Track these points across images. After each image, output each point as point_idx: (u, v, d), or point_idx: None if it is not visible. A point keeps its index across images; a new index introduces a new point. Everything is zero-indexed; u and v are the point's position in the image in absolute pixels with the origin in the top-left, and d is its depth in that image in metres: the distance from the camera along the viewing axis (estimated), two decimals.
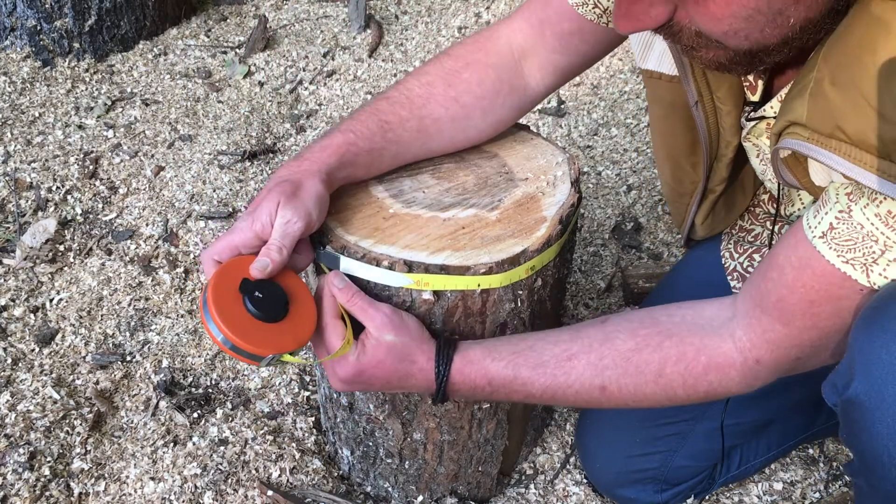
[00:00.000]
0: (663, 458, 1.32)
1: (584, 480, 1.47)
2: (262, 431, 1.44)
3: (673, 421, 1.30)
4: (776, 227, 1.25)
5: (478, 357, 1.01)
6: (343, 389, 1.04)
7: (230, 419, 1.48)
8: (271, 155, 2.20)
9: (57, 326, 1.68)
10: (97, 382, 1.57)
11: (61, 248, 1.86)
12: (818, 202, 0.87)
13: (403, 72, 2.55)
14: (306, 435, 1.47)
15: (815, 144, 0.78)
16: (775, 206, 1.24)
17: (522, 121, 1.30)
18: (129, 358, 1.63)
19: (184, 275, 1.81)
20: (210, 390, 1.58)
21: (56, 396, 1.51)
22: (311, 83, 2.51)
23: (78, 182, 2.04)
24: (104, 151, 2.14)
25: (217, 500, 1.33)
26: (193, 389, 1.57)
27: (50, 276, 1.80)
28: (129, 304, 1.74)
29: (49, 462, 1.40)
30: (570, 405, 1.04)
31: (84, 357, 1.62)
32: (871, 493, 0.90)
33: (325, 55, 2.63)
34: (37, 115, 2.26)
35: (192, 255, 1.86)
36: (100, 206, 1.99)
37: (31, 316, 1.70)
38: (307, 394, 1.58)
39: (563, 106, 2.42)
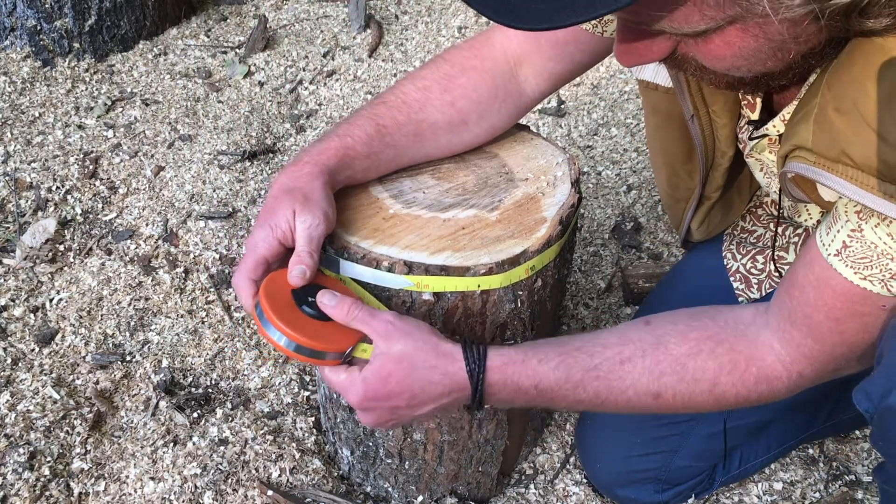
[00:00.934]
0: (664, 459, 1.32)
1: (584, 480, 1.47)
2: (262, 431, 1.44)
3: (675, 421, 1.30)
4: (779, 229, 1.25)
5: (520, 357, 0.96)
6: (370, 421, 0.97)
7: (230, 419, 1.48)
8: (271, 155, 2.20)
9: (57, 326, 1.68)
10: (97, 382, 1.57)
11: (61, 248, 1.86)
12: (829, 218, 0.87)
13: (403, 72, 2.55)
14: (306, 435, 1.47)
15: (822, 168, 0.79)
16: (777, 208, 1.24)
17: (522, 120, 1.30)
18: (129, 358, 1.63)
19: (184, 275, 1.81)
20: (210, 390, 1.58)
21: (56, 396, 1.51)
22: (311, 83, 2.51)
23: (78, 182, 2.04)
24: (104, 151, 2.14)
25: (217, 500, 1.33)
26: (193, 389, 1.57)
27: (50, 276, 1.80)
28: (129, 304, 1.74)
29: (49, 462, 1.40)
30: (616, 411, 1.00)
31: (84, 357, 1.62)
32: None
33: (325, 55, 2.63)
34: (37, 115, 2.26)
35: (192, 255, 1.86)
36: (100, 206, 1.99)
37: (31, 316, 1.70)
38: (307, 394, 1.58)
39: (563, 106, 2.42)
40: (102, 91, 2.38)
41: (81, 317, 1.70)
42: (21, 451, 1.39)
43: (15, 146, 2.12)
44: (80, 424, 1.47)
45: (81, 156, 2.12)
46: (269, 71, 2.54)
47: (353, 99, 2.44)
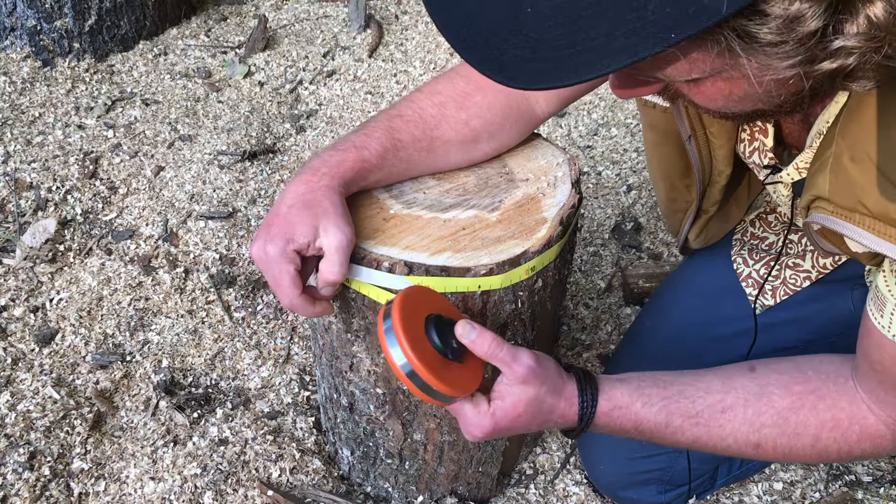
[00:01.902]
0: (669, 459, 1.32)
1: (585, 480, 1.47)
2: (262, 431, 1.44)
3: None
4: (794, 237, 1.25)
5: (626, 401, 0.99)
6: (476, 440, 0.99)
7: (230, 419, 1.48)
8: (271, 155, 2.20)
9: (57, 326, 1.68)
10: (97, 382, 1.57)
11: (61, 248, 1.86)
12: (874, 296, 0.89)
13: (403, 72, 2.55)
14: (306, 435, 1.47)
15: (840, 218, 0.81)
16: (788, 217, 1.25)
17: None
18: (129, 358, 1.63)
19: (184, 275, 1.81)
20: (210, 390, 1.58)
21: (56, 396, 1.51)
22: (311, 83, 2.51)
23: (78, 182, 2.04)
24: (104, 151, 2.14)
25: (217, 500, 1.33)
26: (193, 389, 1.57)
27: (50, 276, 1.80)
28: (129, 304, 1.74)
29: (49, 462, 1.40)
30: (716, 453, 1.03)
31: (84, 357, 1.62)
32: None
33: (325, 55, 2.63)
34: (37, 115, 2.26)
35: (192, 255, 1.86)
36: (100, 206, 1.99)
37: (31, 316, 1.70)
38: (307, 394, 1.58)
39: None
40: (102, 91, 2.38)
41: (81, 317, 1.70)
42: (21, 451, 1.39)
43: (15, 146, 2.12)
44: (80, 424, 1.47)
45: (81, 156, 2.12)
46: (269, 71, 2.54)
47: (353, 99, 2.44)
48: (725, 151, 1.10)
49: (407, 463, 1.30)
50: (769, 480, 1.47)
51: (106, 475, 1.40)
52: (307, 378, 1.62)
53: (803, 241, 1.26)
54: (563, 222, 1.09)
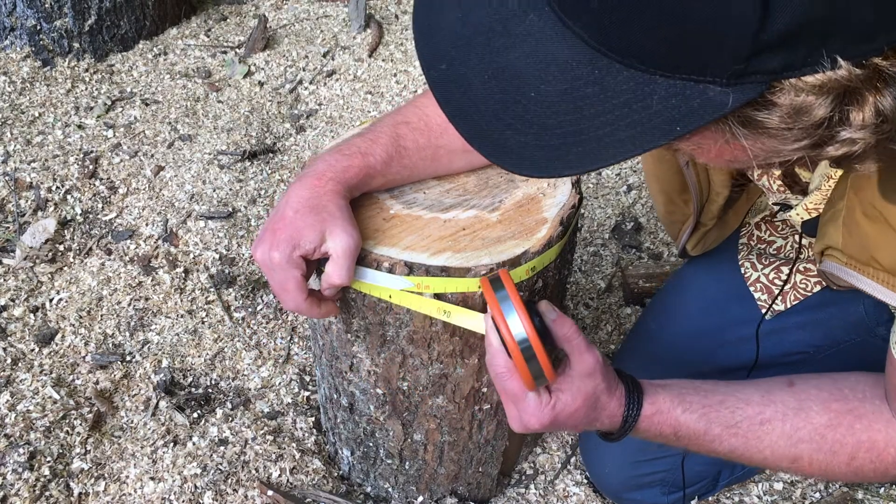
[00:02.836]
0: (673, 462, 1.32)
1: (585, 481, 1.47)
2: (262, 431, 1.44)
3: None
4: (804, 241, 1.25)
5: (667, 406, 1.00)
6: (526, 432, 0.99)
7: (230, 419, 1.48)
8: (271, 155, 2.20)
9: (57, 326, 1.68)
10: (97, 382, 1.56)
11: (61, 248, 1.86)
12: None
13: (403, 72, 2.55)
14: (306, 435, 1.47)
15: (853, 269, 0.84)
16: (798, 241, 1.27)
17: None
18: (129, 358, 1.63)
19: (184, 275, 1.81)
20: (210, 390, 1.58)
21: (56, 396, 1.51)
22: (311, 83, 2.51)
23: (78, 182, 2.03)
24: (104, 151, 2.14)
25: (217, 500, 1.33)
26: (193, 389, 1.57)
27: (50, 276, 1.80)
28: (129, 304, 1.74)
29: (49, 462, 1.40)
30: (751, 465, 1.04)
31: (84, 357, 1.62)
32: None
33: (325, 55, 2.63)
34: (37, 114, 2.26)
35: (192, 255, 1.86)
36: (100, 205, 1.99)
37: (31, 316, 1.70)
38: (307, 394, 1.58)
39: None
40: (102, 91, 2.38)
41: (81, 317, 1.70)
42: (21, 451, 1.39)
43: (15, 146, 2.12)
44: (80, 424, 1.47)
45: (81, 156, 2.11)
46: (269, 71, 2.54)
47: (353, 99, 2.44)
48: (724, 176, 1.12)
49: (407, 463, 1.30)
50: (769, 481, 1.47)
51: (106, 475, 1.40)
52: (307, 378, 1.62)
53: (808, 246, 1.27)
54: (563, 222, 1.09)
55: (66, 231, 1.91)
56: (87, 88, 2.39)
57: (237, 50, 2.63)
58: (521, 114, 0.62)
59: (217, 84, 2.47)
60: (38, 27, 2.39)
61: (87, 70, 2.45)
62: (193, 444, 1.42)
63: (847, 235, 0.84)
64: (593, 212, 2.07)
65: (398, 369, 1.13)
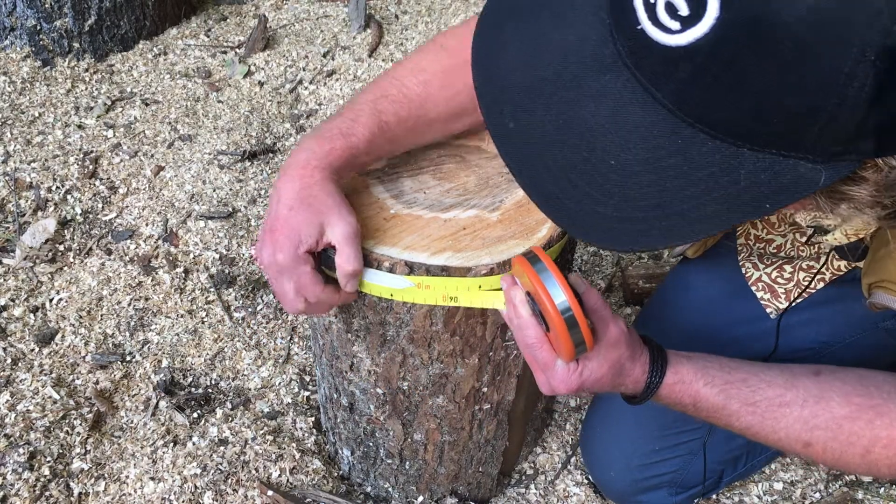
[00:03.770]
0: (682, 462, 1.32)
1: (585, 481, 1.47)
2: (262, 431, 1.44)
3: (694, 427, 1.31)
4: (799, 238, 1.26)
5: (690, 377, 1.01)
6: (553, 394, 1.00)
7: (230, 419, 1.48)
8: (271, 155, 2.20)
9: (57, 326, 1.68)
10: (97, 382, 1.56)
11: (61, 247, 1.86)
12: None
13: None
14: (306, 435, 1.47)
15: None
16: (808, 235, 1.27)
17: None
18: (128, 358, 1.63)
19: (184, 275, 1.80)
20: (210, 390, 1.58)
21: (56, 396, 1.51)
22: (311, 83, 2.51)
23: (78, 182, 2.03)
24: (104, 151, 2.14)
25: (217, 500, 1.33)
26: (193, 389, 1.57)
27: (50, 275, 1.80)
28: (129, 304, 1.74)
29: (49, 462, 1.40)
30: (766, 444, 1.05)
31: (84, 357, 1.62)
32: None
33: (325, 55, 2.63)
34: (37, 114, 2.26)
35: (192, 255, 1.86)
36: (100, 205, 1.99)
37: (31, 316, 1.70)
38: (307, 394, 1.58)
39: None
40: (102, 91, 2.38)
41: (81, 317, 1.70)
42: (21, 451, 1.39)
43: (15, 146, 2.12)
44: (80, 424, 1.47)
45: (81, 156, 2.11)
46: (269, 71, 2.54)
47: None
48: None
49: (407, 463, 1.30)
50: (769, 480, 1.47)
51: (106, 475, 1.40)
52: (307, 378, 1.62)
53: (816, 244, 1.26)
54: None
55: (66, 231, 1.91)
56: (87, 88, 2.39)
57: (237, 50, 2.63)
58: (600, 182, 0.59)
59: (217, 84, 2.47)
60: (38, 27, 2.39)
61: (87, 70, 2.45)
62: (193, 444, 1.42)
63: None
64: None
65: (398, 369, 1.13)
